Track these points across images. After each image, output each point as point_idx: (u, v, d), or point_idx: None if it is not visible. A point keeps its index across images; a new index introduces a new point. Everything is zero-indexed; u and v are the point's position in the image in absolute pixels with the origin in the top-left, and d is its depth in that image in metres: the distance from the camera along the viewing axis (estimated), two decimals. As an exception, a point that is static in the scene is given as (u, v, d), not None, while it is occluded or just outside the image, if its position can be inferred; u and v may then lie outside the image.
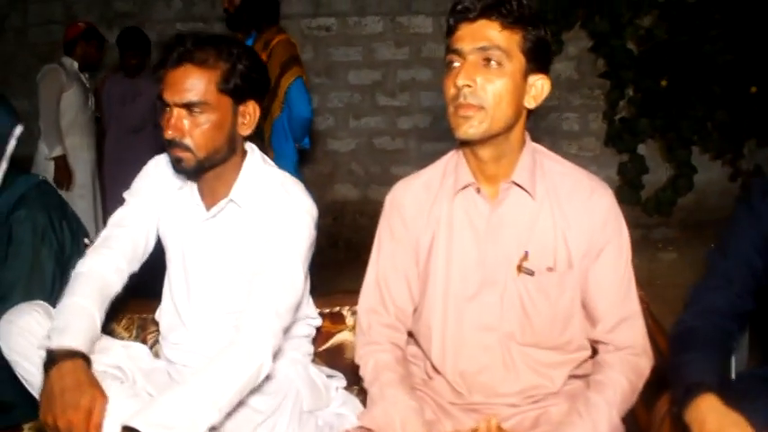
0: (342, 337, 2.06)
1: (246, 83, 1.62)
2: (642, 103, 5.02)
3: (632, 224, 1.69)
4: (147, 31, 5.35)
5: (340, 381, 1.86)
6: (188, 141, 1.60)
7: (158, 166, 1.81)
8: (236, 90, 1.61)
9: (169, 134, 1.59)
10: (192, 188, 1.74)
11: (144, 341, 2.13)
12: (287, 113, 3.40)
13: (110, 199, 4.47)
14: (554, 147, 5.72)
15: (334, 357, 2.03)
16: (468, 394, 1.55)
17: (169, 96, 1.59)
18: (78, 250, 1.97)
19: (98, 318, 1.61)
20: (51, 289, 1.87)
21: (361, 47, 5.43)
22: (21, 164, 2.06)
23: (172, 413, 1.36)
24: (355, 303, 1.73)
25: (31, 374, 1.58)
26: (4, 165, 1.87)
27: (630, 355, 1.51)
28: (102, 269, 1.68)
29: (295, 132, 3.47)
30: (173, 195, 1.76)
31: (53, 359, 1.47)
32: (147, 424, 1.32)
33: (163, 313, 1.83)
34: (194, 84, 1.58)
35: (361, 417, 1.57)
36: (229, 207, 1.70)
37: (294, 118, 3.41)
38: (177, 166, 1.64)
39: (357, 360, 1.65)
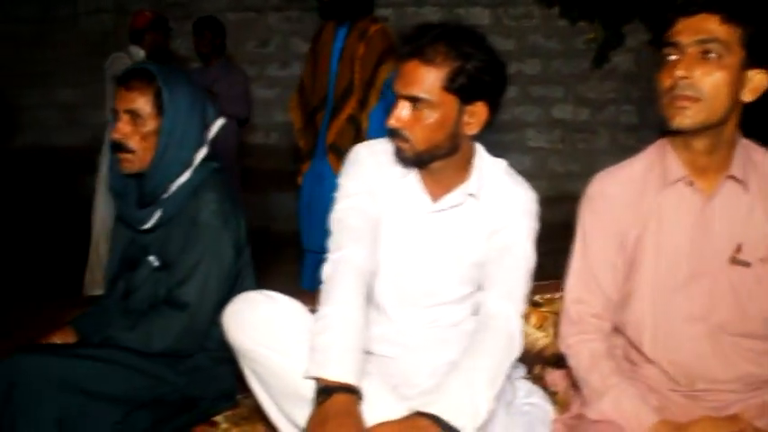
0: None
1: (475, 83, 1.60)
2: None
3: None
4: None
5: (520, 370, 1.87)
6: (408, 134, 1.61)
7: (374, 154, 1.78)
8: (463, 90, 1.59)
9: (392, 123, 1.62)
10: (416, 178, 1.72)
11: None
12: (383, 104, 3.38)
13: None
14: (612, 139, 5.84)
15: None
16: (686, 382, 1.56)
17: (397, 87, 1.62)
18: (246, 241, 1.97)
19: (365, 327, 1.59)
20: (228, 276, 1.87)
21: (418, 38, 5.41)
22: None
23: (460, 399, 1.42)
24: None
25: (269, 367, 1.55)
26: (204, 150, 1.89)
27: None
28: (360, 266, 1.64)
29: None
30: (394, 184, 1.74)
31: (327, 391, 1.43)
32: (443, 410, 1.38)
33: None
34: (420, 80, 1.58)
35: (587, 410, 1.57)
36: (462, 199, 1.71)
37: (390, 110, 3.38)
38: (397, 154, 1.67)
39: (565, 349, 1.66)
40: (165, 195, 1.87)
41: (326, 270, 1.64)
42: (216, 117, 1.93)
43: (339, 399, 1.41)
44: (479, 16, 5.38)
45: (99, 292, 4.33)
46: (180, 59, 4.80)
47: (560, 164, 5.41)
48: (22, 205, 5.29)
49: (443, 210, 1.72)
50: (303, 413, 1.46)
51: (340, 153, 3.27)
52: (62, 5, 5.79)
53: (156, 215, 1.87)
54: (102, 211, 4.33)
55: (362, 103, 3.31)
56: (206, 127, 1.91)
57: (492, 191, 1.72)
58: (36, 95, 5.86)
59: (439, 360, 1.69)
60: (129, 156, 1.85)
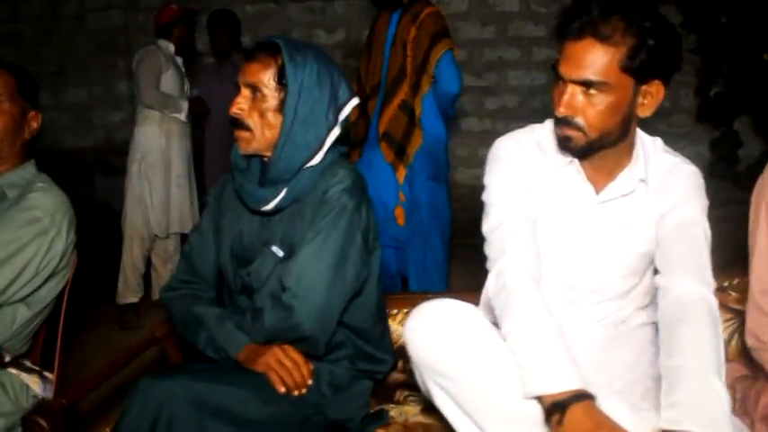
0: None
1: (654, 60, 1.45)
2: (736, 78, 4.97)
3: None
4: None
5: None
6: (580, 120, 1.47)
7: (521, 146, 1.63)
8: (641, 69, 1.45)
9: (561, 111, 1.47)
10: (576, 168, 1.58)
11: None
12: (434, 88, 3.25)
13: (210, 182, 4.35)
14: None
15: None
16: None
17: (565, 71, 1.46)
18: (377, 236, 1.80)
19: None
20: (352, 288, 1.68)
21: (445, 25, 5.29)
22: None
23: (708, 405, 1.30)
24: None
25: (467, 385, 1.39)
26: (336, 132, 1.70)
27: None
28: (530, 270, 1.50)
29: (443, 109, 3.32)
30: (551, 176, 1.60)
31: (560, 406, 1.29)
32: (698, 423, 1.26)
33: None
34: (594, 61, 1.43)
35: None
36: (633, 186, 1.58)
37: (442, 93, 3.25)
38: (564, 143, 1.53)
39: (757, 344, 1.59)
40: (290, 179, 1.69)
41: (495, 280, 1.50)
42: (351, 96, 1.74)
43: (578, 410, 1.27)
44: (508, 2, 5.22)
45: (134, 299, 4.15)
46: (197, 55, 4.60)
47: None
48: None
49: (612, 199, 1.58)
50: None
51: (392, 141, 3.21)
52: (69, 2, 5.54)
53: (280, 195, 1.68)
54: (134, 216, 4.15)
55: (415, 89, 3.20)
56: (338, 107, 1.71)
57: (657, 172, 1.60)
58: (45, 97, 5.59)
59: (613, 361, 1.56)
60: (245, 134, 1.69)
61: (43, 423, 1.55)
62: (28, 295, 1.76)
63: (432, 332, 1.42)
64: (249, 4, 5.42)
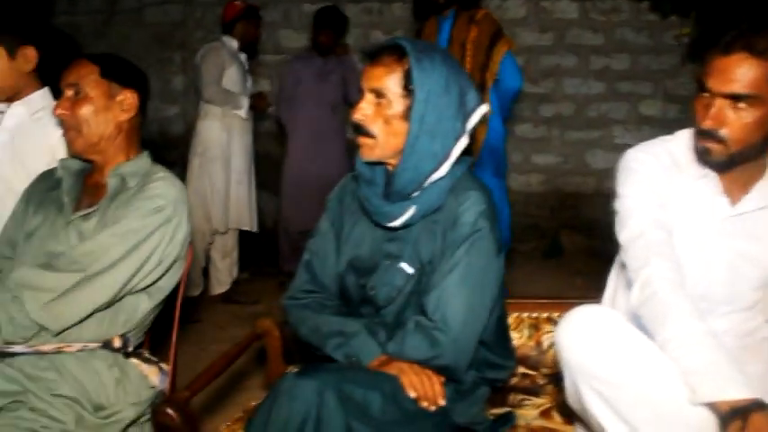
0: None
1: None
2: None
3: None
4: (269, 10, 5.19)
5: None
6: (724, 133, 1.49)
7: (656, 157, 1.63)
8: None
9: (708, 124, 1.49)
10: (714, 180, 1.58)
11: (538, 342, 1.98)
12: (494, 86, 3.30)
13: (292, 174, 4.52)
14: None
15: None
16: None
17: (714, 85, 1.48)
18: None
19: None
20: (490, 313, 1.66)
21: (503, 31, 5.28)
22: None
23: None
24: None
25: (627, 392, 1.37)
26: (464, 142, 1.66)
27: None
28: (673, 280, 1.50)
29: (504, 105, 3.39)
30: (686, 188, 1.60)
31: (739, 412, 1.27)
32: None
33: None
34: (745, 74, 1.45)
35: None
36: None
37: (505, 90, 3.35)
38: (704, 156, 1.54)
39: None
40: (417, 193, 1.65)
41: (641, 290, 1.49)
42: (478, 103, 1.68)
43: (761, 417, 1.25)
44: (566, 10, 5.22)
45: (194, 293, 4.17)
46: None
47: (648, 162, 5.23)
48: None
49: (747, 212, 1.59)
50: None
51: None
52: (127, -3, 5.59)
53: (409, 212, 1.64)
54: (194, 210, 4.14)
55: (480, 88, 3.21)
56: (466, 114, 1.65)
57: None
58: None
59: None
60: (368, 141, 1.64)
61: (174, 415, 1.55)
62: (150, 285, 1.76)
63: (588, 337, 1.42)
64: (307, 4, 5.43)
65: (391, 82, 1.61)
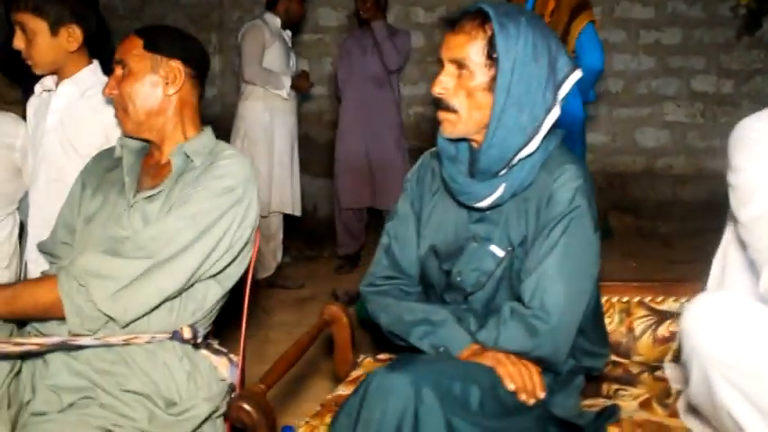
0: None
1: None
2: None
3: None
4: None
5: None
6: None
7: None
8: None
9: None
10: None
11: (630, 328, 1.85)
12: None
13: (341, 151, 4.42)
14: (756, 111, 5.49)
15: None
16: None
17: None
18: None
19: None
20: (589, 297, 1.54)
21: (549, 6, 5.09)
22: None
23: None
24: None
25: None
26: (555, 113, 1.51)
27: None
28: None
29: (584, 85, 3.12)
30: None
31: None
32: None
33: None
34: None
35: None
36: None
37: (584, 69, 3.09)
38: None
39: None
40: (505, 170, 1.52)
41: None
42: (571, 70, 1.54)
43: None
44: (615, -18, 5.02)
45: (266, 274, 4.11)
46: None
47: (700, 139, 5.03)
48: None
49: None
50: None
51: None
52: (163, -24, 5.48)
53: (499, 191, 1.53)
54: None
55: None
56: (557, 83, 1.51)
57: None
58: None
59: None
60: (450, 116, 1.53)
61: (251, 411, 1.45)
62: (220, 271, 1.65)
63: (722, 325, 1.28)
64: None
65: (473, 51, 1.49)
